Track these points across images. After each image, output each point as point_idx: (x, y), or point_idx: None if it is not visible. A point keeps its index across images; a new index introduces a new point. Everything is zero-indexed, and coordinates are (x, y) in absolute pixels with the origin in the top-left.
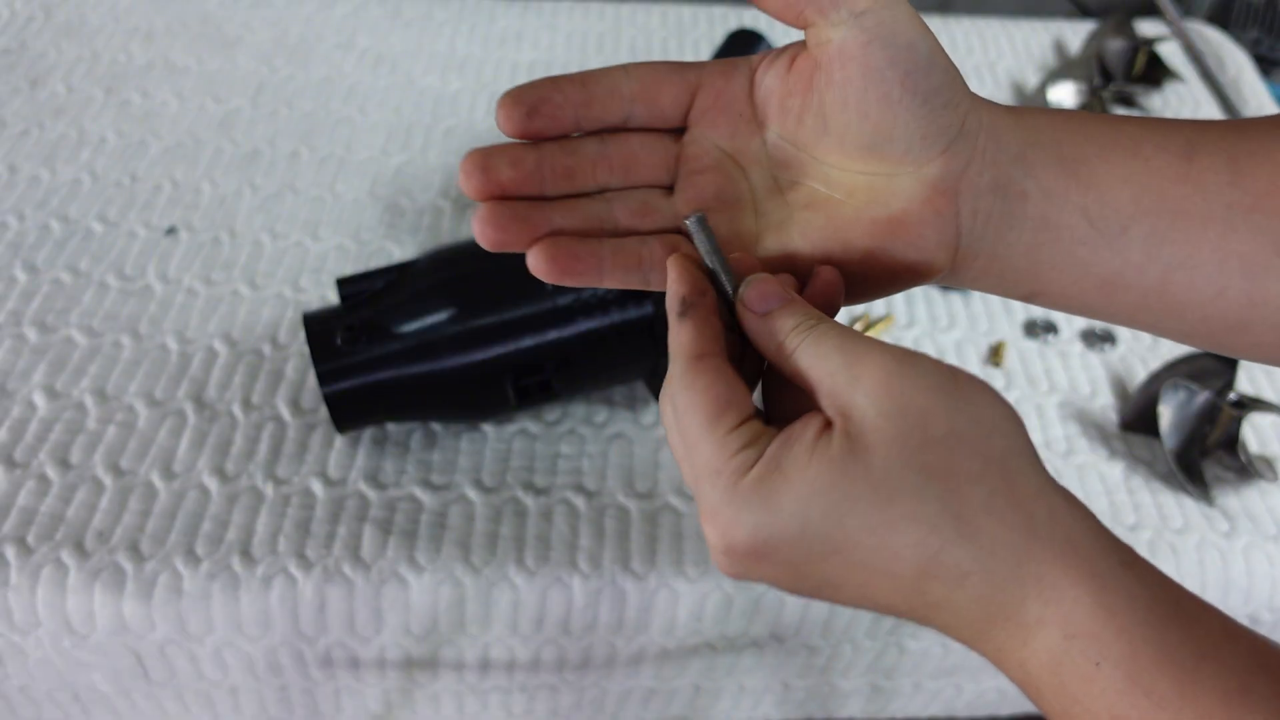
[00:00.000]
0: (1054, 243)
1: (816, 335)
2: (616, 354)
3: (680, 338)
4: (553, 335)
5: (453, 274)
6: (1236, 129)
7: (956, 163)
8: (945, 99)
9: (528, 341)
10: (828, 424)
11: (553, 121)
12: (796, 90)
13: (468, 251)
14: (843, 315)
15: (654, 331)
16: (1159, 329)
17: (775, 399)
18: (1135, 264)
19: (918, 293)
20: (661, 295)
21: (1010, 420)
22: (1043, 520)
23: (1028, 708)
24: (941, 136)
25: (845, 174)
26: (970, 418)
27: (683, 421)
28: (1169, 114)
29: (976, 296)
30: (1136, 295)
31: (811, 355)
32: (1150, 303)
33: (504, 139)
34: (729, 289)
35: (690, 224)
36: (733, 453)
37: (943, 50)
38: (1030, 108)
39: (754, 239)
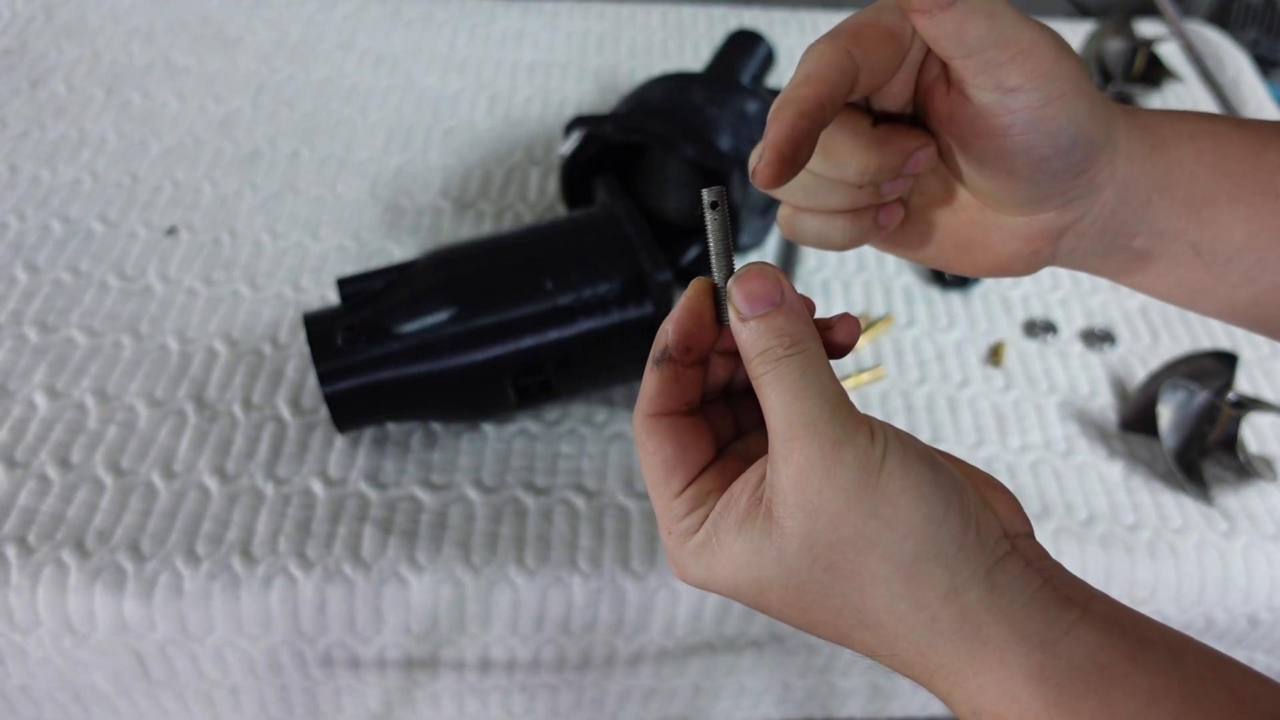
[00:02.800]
0: (1148, 267)
1: (778, 374)
2: (616, 354)
3: (645, 388)
4: (553, 335)
5: (453, 274)
6: None
7: (1071, 215)
8: (1078, 170)
9: (528, 341)
10: (758, 491)
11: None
12: (943, 107)
13: (468, 251)
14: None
15: (654, 331)
16: (1230, 321)
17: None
18: (1230, 284)
19: (917, 293)
20: (662, 296)
21: (931, 521)
22: (947, 620)
23: None
24: (1063, 197)
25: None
26: (884, 522)
27: (643, 473)
28: None
29: (976, 296)
30: (1223, 304)
31: (769, 391)
32: (1236, 310)
33: (504, 139)
34: (723, 276)
35: (707, 194)
36: (679, 517)
37: (1092, 117)
38: (1177, 131)
39: None
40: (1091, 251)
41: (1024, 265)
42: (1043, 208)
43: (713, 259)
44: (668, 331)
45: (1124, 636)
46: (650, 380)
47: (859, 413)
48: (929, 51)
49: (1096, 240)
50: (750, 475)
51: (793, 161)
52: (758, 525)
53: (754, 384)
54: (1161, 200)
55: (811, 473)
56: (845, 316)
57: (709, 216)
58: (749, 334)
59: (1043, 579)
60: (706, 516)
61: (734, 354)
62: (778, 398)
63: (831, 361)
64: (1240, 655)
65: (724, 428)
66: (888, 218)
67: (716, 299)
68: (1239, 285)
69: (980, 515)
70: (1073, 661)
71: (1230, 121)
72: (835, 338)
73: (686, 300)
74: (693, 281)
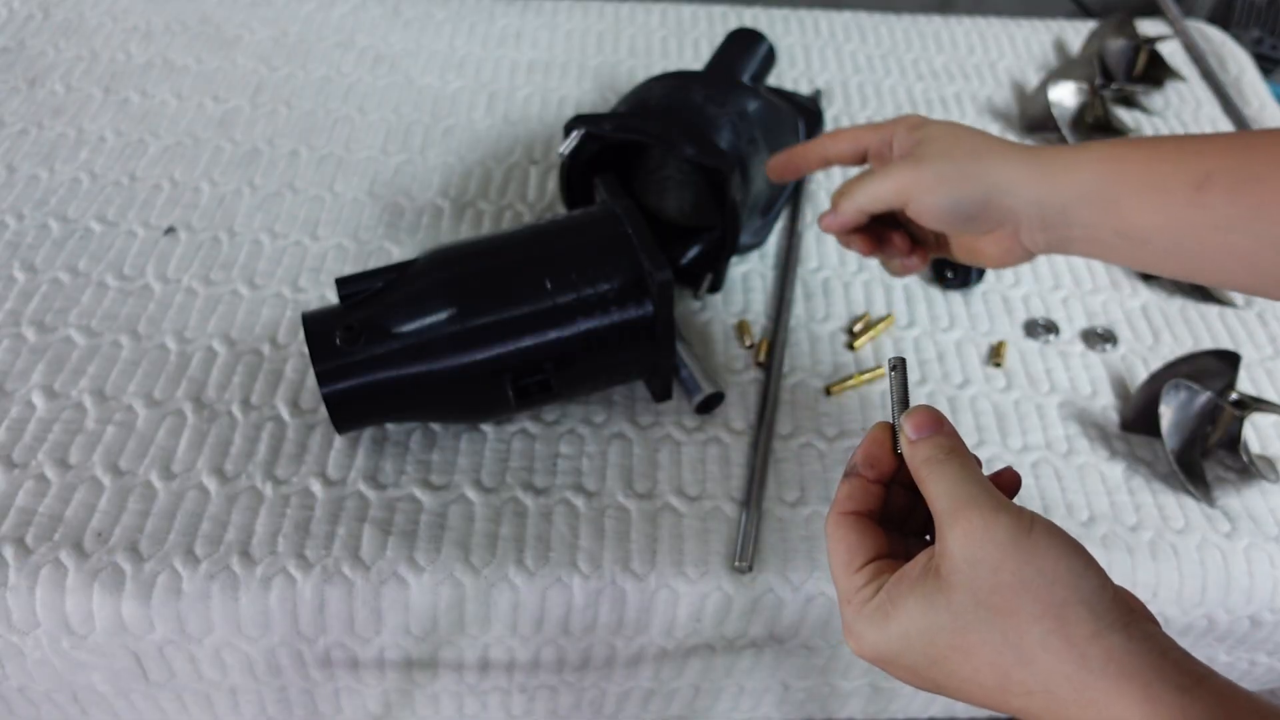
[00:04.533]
0: (1093, 246)
1: (940, 471)
2: (616, 354)
3: (838, 494)
4: (552, 335)
5: (452, 273)
6: (1246, 151)
7: (1009, 230)
8: (981, 226)
9: (527, 341)
10: (929, 563)
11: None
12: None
13: (467, 251)
14: (843, 315)
15: (654, 332)
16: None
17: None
18: (1158, 256)
19: (918, 293)
20: (662, 296)
21: (1074, 572)
22: (1095, 657)
23: None
24: (985, 229)
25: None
26: (1036, 569)
27: (830, 560)
28: (1170, 114)
29: (977, 296)
30: (1158, 269)
31: (933, 485)
32: (1171, 273)
33: (503, 138)
34: (899, 418)
35: (889, 363)
36: (858, 588)
37: (967, 197)
38: (1079, 158)
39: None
40: (1049, 244)
41: (1014, 259)
42: (979, 232)
43: (894, 406)
44: (857, 452)
45: (1240, 706)
46: (841, 488)
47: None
48: None
49: (1047, 237)
50: (921, 555)
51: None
52: (929, 584)
53: (921, 487)
54: (1077, 206)
55: (973, 533)
56: (1008, 469)
57: (890, 377)
58: (917, 450)
59: (1167, 645)
60: (881, 588)
61: (909, 487)
62: (941, 487)
63: (832, 362)
64: (1242, 656)
65: (898, 552)
66: (905, 271)
67: (894, 436)
68: (1165, 256)
69: (1115, 585)
70: (1212, 701)
71: (1130, 142)
72: (999, 482)
73: (870, 433)
74: (876, 425)
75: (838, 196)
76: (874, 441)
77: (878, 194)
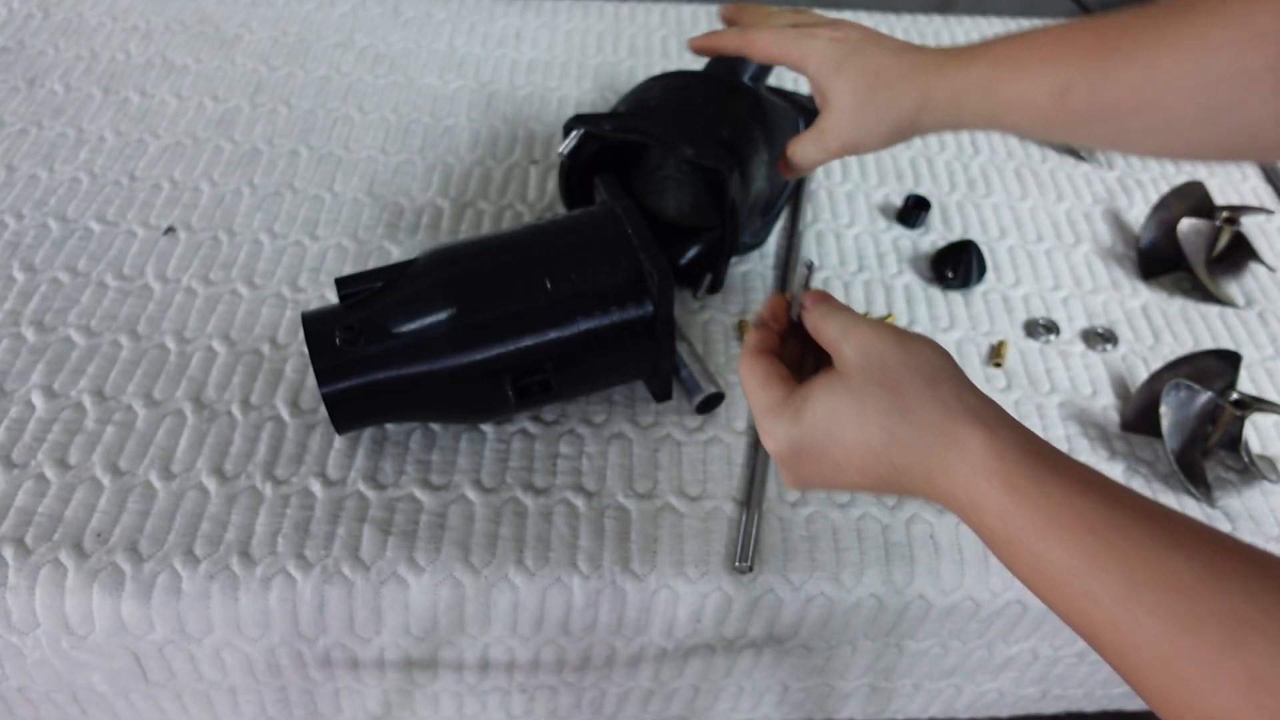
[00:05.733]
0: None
1: (832, 316)
2: (616, 354)
3: (748, 341)
4: (552, 335)
5: (452, 273)
6: (1098, 58)
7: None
8: (898, 138)
9: (527, 341)
10: (831, 371)
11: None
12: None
13: (467, 251)
14: None
15: (654, 331)
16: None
17: (813, 364)
18: (1033, 137)
19: (919, 293)
20: (662, 296)
21: (940, 357)
22: (955, 407)
23: (1028, 709)
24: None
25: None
26: (913, 355)
27: (747, 389)
28: None
29: (977, 296)
30: (1073, 138)
31: (828, 325)
32: (1084, 139)
33: (503, 138)
34: (799, 299)
35: (804, 262)
36: (774, 399)
37: (907, 125)
38: (964, 77)
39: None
40: (937, 130)
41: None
42: (886, 145)
43: (799, 288)
44: (762, 312)
45: (1046, 445)
46: (751, 336)
47: None
48: None
49: (937, 130)
50: (821, 373)
51: None
52: (832, 381)
53: (818, 334)
54: (966, 118)
55: (865, 339)
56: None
57: (805, 272)
58: (814, 309)
59: (1005, 412)
60: (792, 395)
61: (801, 339)
62: (834, 323)
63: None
64: None
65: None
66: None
67: (789, 308)
68: (1040, 138)
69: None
70: (1049, 449)
71: (1003, 54)
72: None
73: (771, 298)
74: (772, 294)
75: (793, 157)
76: (775, 304)
77: (827, 156)
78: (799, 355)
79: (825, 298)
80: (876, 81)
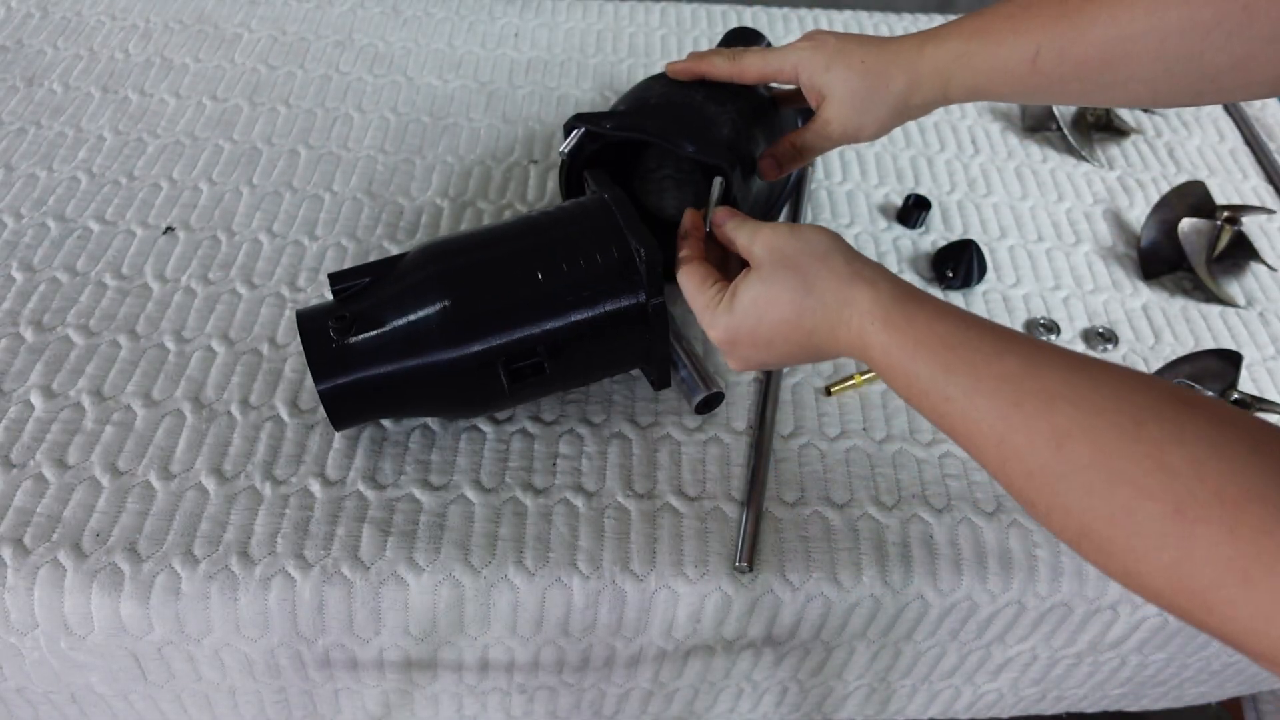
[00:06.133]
0: (990, 91)
1: (740, 226)
2: (611, 341)
3: (680, 250)
4: (546, 325)
5: (444, 266)
6: (1064, 23)
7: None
8: (894, 120)
9: (520, 332)
10: (748, 269)
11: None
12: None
13: (459, 244)
14: None
15: (647, 319)
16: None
17: (736, 267)
18: (1012, 101)
19: None
20: (654, 285)
21: (829, 237)
22: (847, 275)
23: (1028, 709)
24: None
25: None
26: (810, 241)
27: (687, 292)
28: (1172, 114)
29: (978, 296)
30: (1048, 96)
31: (738, 234)
32: (1058, 98)
33: (502, 137)
34: (712, 215)
35: (717, 181)
36: (711, 297)
37: (889, 109)
38: (940, 55)
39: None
40: (943, 99)
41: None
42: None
43: (710, 205)
44: (683, 224)
45: (925, 296)
46: (682, 246)
47: None
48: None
49: (926, 111)
50: (743, 272)
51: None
52: (750, 275)
53: (730, 242)
54: (950, 92)
55: (769, 237)
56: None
57: (716, 188)
58: (724, 227)
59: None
60: (723, 292)
61: (717, 248)
62: (743, 232)
63: (832, 363)
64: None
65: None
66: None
67: (706, 219)
68: (1019, 101)
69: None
70: (918, 292)
71: (976, 29)
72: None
73: (686, 214)
74: (687, 210)
75: (792, 150)
76: (691, 216)
77: (829, 144)
78: (722, 258)
79: (733, 213)
80: (864, 70)
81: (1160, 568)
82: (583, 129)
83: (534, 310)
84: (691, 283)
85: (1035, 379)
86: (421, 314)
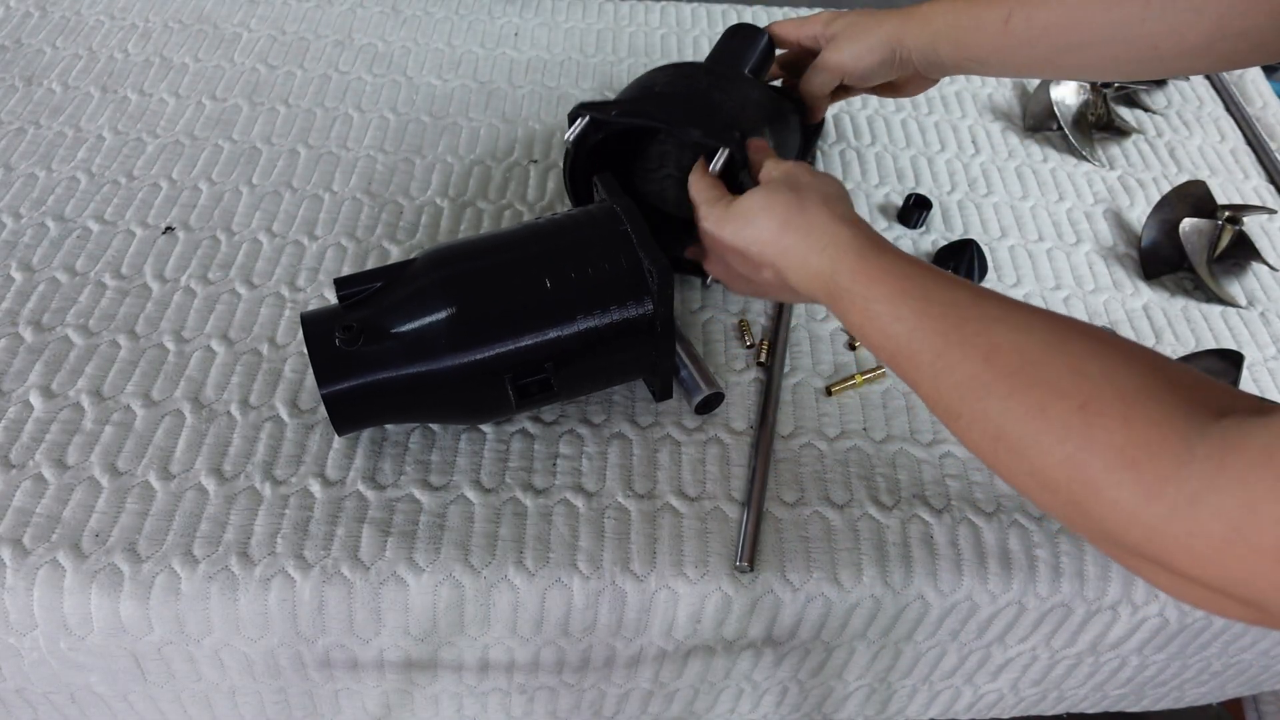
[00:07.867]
0: (958, 67)
1: (768, 154)
2: (616, 352)
3: (694, 171)
4: (552, 334)
5: (451, 273)
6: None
7: (910, 70)
8: (897, 73)
9: (527, 340)
10: (757, 189)
11: None
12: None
13: (466, 250)
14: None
15: (654, 330)
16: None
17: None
18: (994, 68)
19: None
20: (662, 294)
21: (841, 188)
22: (839, 214)
23: (1028, 710)
24: (902, 74)
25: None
26: (820, 180)
27: (695, 189)
28: (1172, 113)
29: None
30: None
31: (765, 162)
32: (1008, 73)
33: (502, 137)
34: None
35: (720, 151)
36: (715, 194)
37: (881, 59)
38: (932, 17)
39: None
40: (935, 71)
41: (923, 87)
42: (898, 79)
43: (718, 156)
44: (707, 163)
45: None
46: (696, 169)
47: None
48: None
49: (929, 67)
50: (753, 190)
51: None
52: (758, 189)
53: (755, 169)
54: (941, 49)
55: (788, 166)
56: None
57: (720, 158)
58: (753, 151)
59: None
60: (732, 202)
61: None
62: (770, 161)
63: (832, 362)
64: (1246, 658)
65: None
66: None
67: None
68: (1000, 68)
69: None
70: (891, 245)
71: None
72: None
73: (698, 167)
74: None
75: (804, 88)
76: (700, 168)
77: (830, 77)
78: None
79: (764, 146)
80: (858, 19)
81: (1062, 458)
82: (587, 117)
83: (541, 317)
84: (703, 182)
85: (979, 307)
86: (428, 320)
